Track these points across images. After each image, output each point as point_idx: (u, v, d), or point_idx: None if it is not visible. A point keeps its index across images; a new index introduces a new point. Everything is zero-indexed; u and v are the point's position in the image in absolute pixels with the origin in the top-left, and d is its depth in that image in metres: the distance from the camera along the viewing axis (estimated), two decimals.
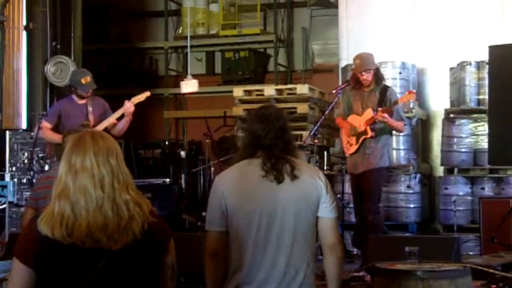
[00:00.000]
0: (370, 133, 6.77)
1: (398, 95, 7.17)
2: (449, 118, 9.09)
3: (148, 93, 7.28)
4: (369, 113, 6.77)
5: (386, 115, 6.64)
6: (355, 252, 7.90)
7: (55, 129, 7.14)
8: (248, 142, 3.35)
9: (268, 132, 3.30)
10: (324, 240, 3.31)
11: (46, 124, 7.14)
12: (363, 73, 6.83)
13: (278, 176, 3.22)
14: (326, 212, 3.29)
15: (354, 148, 6.86)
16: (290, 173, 3.23)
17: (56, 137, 6.97)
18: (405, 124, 7.12)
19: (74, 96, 7.16)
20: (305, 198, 3.25)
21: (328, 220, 3.29)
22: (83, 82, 7.13)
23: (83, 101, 7.14)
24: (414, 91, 6.95)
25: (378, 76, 6.89)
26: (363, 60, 6.88)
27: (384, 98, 6.76)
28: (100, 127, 7.03)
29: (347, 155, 7.06)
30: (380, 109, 6.69)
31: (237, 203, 3.23)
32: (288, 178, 3.22)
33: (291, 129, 3.43)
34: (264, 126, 3.31)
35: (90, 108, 7.12)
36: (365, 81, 6.85)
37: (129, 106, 7.05)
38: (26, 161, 8.71)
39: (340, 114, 7.25)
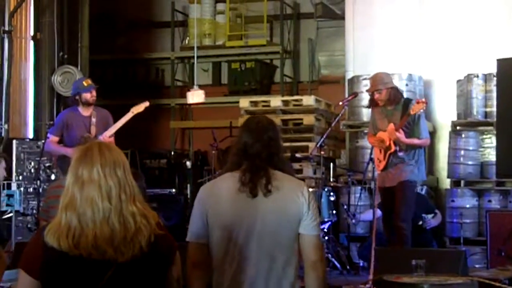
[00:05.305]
0: (393, 148, 6.75)
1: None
2: (456, 131, 9.07)
3: (147, 103, 7.50)
4: (391, 127, 6.76)
5: (399, 135, 6.64)
6: (361, 264, 7.87)
7: (60, 140, 7.19)
8: (235, 152, 3.31)
9: (255, 143, 3.25)
10: (305, 258, 3.24)
11: (53, 138, 7.21)
12: (375, 93, 6.83)
13: (252, 190, 3.17)
14: (308, 229, 3.21)
15: (383, 164, 6.85)
16: (264, 187, 3.17)
17: (63, 150, 7.00)
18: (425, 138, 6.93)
19: (79, 108, 7.23)
20: (283, 215, 3.19)
21: (310, 237, 3.22)
22: (85, 84, 7.24)
23: (88, 113, 7.21)
24: (424, 100, 6.88)
25: (393, 96, 6.82)
26: (375, 81, 6.90)
27: (405, 114, 6.74)
28: (109, 133, 7.15)
29: (378, 172, 7.04)
30: (393, 127, 6.68)
31: (216, 217, 3.20)
32: (262, 193, 3.17)
33: (281, 142, 3.37)
34: (252, 136, 3.27)
35: (93, 119, 7.19)
36: (378, 101, 6.84)
37: (130, 115, 7.34)
38: (32, 170, 8.73)
39: (369, 132, 7.25)
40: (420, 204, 7.71)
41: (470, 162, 8.87)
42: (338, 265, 7.61)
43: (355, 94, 8.11)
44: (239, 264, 3.17)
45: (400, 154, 6.75)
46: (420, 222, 7.69)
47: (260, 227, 3.17)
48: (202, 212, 3.23)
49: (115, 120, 7.41)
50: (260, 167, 3.20)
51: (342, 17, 10.78)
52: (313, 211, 3.24)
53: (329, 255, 7.62)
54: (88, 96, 7.17)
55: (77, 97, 7.23)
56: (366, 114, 9.37)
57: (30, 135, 9.66)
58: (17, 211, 8.39)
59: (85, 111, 7.21)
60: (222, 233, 3.19)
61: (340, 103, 7.67)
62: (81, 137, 6.75)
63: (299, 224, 3.21)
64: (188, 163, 11.74)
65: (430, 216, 7.87)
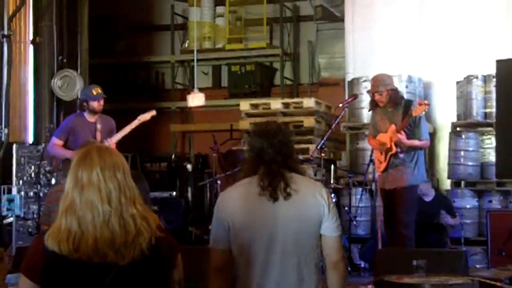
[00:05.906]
0: (394, 149, 6.76)
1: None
2: (456, 132, 9.08)
3: (154, 112, 7.57)
4: (392, 129, 6.76)
5: (401, 136, 6.64)
6: (362, 266, 7.87)
7: (64, 145, 7.23)
8: (250, 158, 3.35)
9: (267, 147, 3.29)
10: (327, 258, 3.29)
11: (57, 141, 7.25)
12: (376, 94, 6.84)
13: (272, 194, 3.20)
14: (329, 230, 3.26)
15: (384, 165, 6.85)
16: (283, 191, 3.20)
17: (68, 154, 7.03)
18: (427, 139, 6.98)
19: (85, 114, 7.29)
20: (305, 218, 3.22)
21: (332, 238, 3.26)
22: (94, 93, 7.31)
23: (93, 119, 7.28)
24: (426, 101, 6.90)
25: (393, 98, 6.84)
26: (376, 82, 6.91)
27: (407, 115, 6.75)
28: (114, 139, 7.20)
29: (378, 173, 7.04)
30: (394, 128, 6.69)
31: (238, 223, 3.21)
32: (282, 197, 3.20)
33: (293, 144, 3.41)
34: (263, 141, 3.31)
35: (99, 126, 7.26)
36: (379, 102, 6.85)
37: (137, 122, 7.42)
38: (33, 174, 8.74)
39: (369, 134, 7.25)
40: (442, 203, 7.79)
41: (470, 163, 8.87)
42: None
43: (355, 96, 8.12)
44: (263, 267, 3.19)
45: (401, 155, 6.75)
46: (435, 221, 7.67)
47: (282, 231, 3.19)
48: (222, 218, 3.25)
49: (118, 125, 7.46)
50: (276, 172, 3.24)
51: (341, 19, 10.78)
52: (333, 212, 3.28)
53: None
54: (95, 104, 7.26)
55: (84, 104, 7.31)
56: (366, 115, 9.38)
57: (30, 139, 9.66)
58: (17, 216, 8.39)
59: (90, 117, 7.31)
60: (245, 237, 3.20)
61: (340, 105, 7.68)
62: (86, 141, 6.78)
63: (320, 226, 3.24)
64: (189, 166, 11.76)
65: (449, 216, 7.89)
